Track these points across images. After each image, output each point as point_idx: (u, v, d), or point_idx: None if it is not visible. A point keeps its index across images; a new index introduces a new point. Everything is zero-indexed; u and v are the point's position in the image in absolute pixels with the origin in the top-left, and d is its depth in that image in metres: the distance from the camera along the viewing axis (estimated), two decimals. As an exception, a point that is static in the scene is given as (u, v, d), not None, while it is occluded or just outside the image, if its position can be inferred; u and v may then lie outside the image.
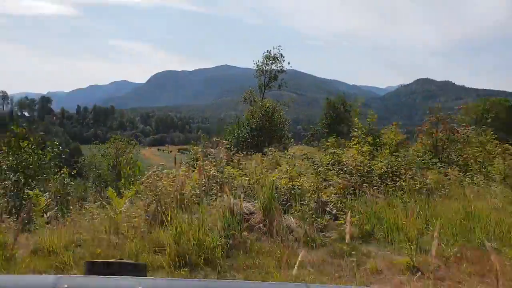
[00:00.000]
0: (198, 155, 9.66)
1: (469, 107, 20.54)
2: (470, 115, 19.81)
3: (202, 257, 4.92)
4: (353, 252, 4.93)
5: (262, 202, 6.23)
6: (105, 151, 25.93)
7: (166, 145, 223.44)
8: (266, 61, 25.71)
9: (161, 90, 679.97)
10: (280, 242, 5.49)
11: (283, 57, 25.60)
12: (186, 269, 4.76)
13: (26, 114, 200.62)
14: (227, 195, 5.93)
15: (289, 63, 26.04)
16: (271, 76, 25.83)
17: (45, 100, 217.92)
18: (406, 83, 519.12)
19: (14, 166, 9.58)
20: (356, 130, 11.93)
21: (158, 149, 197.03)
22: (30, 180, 9.58)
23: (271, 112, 19.83)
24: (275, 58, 25.44)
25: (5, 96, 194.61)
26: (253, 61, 26.78)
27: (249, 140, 18.06)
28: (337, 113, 21.04)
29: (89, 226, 6.26)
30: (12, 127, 10.64)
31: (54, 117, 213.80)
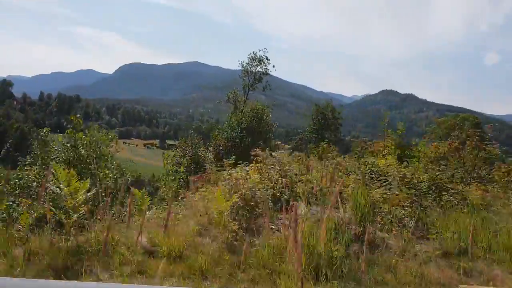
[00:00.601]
0: (258, 158, 9.34)
1: (441, 121, 21.98)
2: (442, 129, 20.84)
3: (332, 269, 4.72)
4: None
5: (356, 213, 6.11)
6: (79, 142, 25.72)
7: (132, 138, 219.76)
8: (251, 62, 26.92)
9: (129, 82, 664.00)
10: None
11: (268, 59, 27.00)
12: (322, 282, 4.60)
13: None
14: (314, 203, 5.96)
15: (273, 66, 27.43)
16: (255, 78, 27.09)
17: (6, 83, 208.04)
18: (371, 93, 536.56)
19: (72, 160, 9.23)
20: (388, 141, 12.47)
21: (124, 142, 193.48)
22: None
23: (261, 113, 20.46)
24: (260, 60, 26.73)
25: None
26: (238, 61, 27.94)
27: (237, 140, 19.03)
28: (325, 119, 22.09)
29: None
30: (71, 117, 10.52)
31: (15, 102, 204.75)
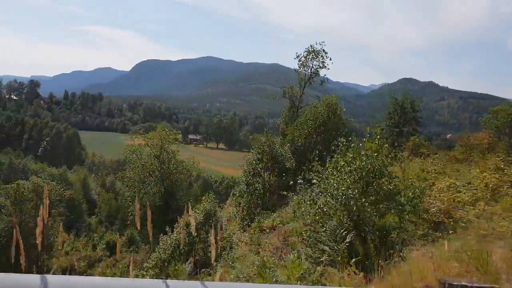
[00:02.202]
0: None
1: (496, 110, 20.89)
2: (499, 119, 19.34)
3: None
4: None
5: None
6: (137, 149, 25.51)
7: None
8: (308, 55, 27.04)
9: (146, 79, 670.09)
10: None
11: (326, 53, 26.99)
12: None
13: (14, 97, 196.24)
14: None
15: (330, 59, 27.46)
16: (312, 72, 27.34)
17: (34, 84, 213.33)
18: (389, 82, 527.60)
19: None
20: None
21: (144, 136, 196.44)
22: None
23: (335, 107, 19.68)
24: (317, 53, 26.84)
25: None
26: (296, 53, 27.83)
27: (314, 137, 18.81)
28: (404, 113, 21.03)
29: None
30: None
31: (42, 101, 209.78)
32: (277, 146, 19.44)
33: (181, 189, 25.46)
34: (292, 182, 18.86)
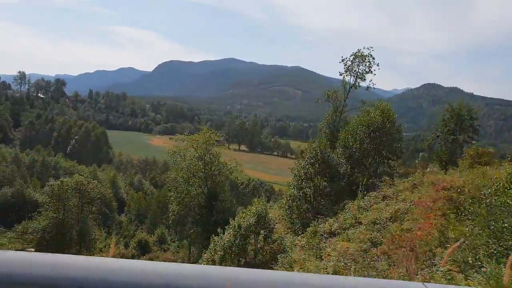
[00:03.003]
0: None
1: None
2: None
3: None
4: None
5: None
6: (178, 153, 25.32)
7: (176, 134, 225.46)
8: (354, 59, 26.64)
9: (168, 80, 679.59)
10: None
11: (373, 57, 26.51)
12: None
13: (41, 95, 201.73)
14: None
15: (378, 65, 26.97)
16: (357, 76, 26.91)
17: (60, 82, 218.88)
18: (412, 87, 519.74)
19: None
20: None
21: (170, 138, 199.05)
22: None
23: (388, 114, 19.20)
24: (363, 57, 26.41)
25: (22, 77, 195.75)
26: (342, 57, 27.42)
27: (367, 142, 18.44)
28: (460, 120, 19.93)
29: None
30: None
31: (67, 100, 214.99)
32: (328, 151, 19.20)
33: (223, 190, 25.47)
34: (345, 187, 18.61)
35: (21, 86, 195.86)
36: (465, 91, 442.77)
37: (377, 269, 10.97)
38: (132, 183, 67.82)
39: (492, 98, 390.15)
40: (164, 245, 48.16)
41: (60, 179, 29.31)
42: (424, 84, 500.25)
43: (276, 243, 18.13)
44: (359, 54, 26.40)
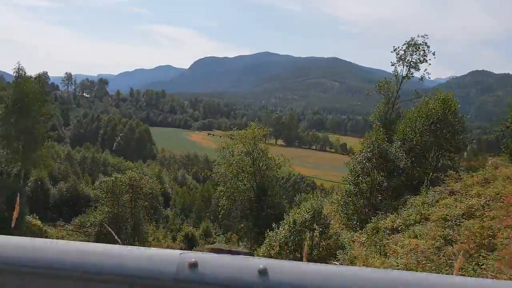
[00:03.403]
0: None
1: None
2: None
3: None
4: None
5: None
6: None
7: (214, 130, 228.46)
8: (407, 49, 25.56)
9: (204, 76, 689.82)
10: None
11: (428, 46, 25.33)
12: None
13: (86, 95, 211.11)
14: None
15: (433, 53, 25.76)
16: (410, 65, 25.85)
17: (103, 82, 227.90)
18: (457, 75, 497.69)
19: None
20: None
21: (208, 133, 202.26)
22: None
23: (450, 104, 18.04)
24: (416, 46, 25.27)
25: (69, 78, 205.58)
26: (393, 46, 26.36)
27: (427, 134, 17.65)
28: None
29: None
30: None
31: (110, 98, 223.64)
32: (386, 144, 18.57)
33: (272, 185, 25.42)
34: (405, 182, 17.97)
35: (68, 86, 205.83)
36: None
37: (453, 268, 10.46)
38: (176, 178, 69.44)
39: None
40: (210, 239, 49.12)
41: (114, 175, 30.40)
42: (472, 72, 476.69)
43: (332, 239, 17.85)
44: (413, 42, 25.29)
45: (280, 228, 18.47)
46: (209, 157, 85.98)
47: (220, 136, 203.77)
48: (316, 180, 79.78)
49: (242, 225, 24.65)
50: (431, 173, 15.17)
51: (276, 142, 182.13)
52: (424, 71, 25.65)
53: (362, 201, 18.50)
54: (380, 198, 18.44)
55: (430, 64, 25.61)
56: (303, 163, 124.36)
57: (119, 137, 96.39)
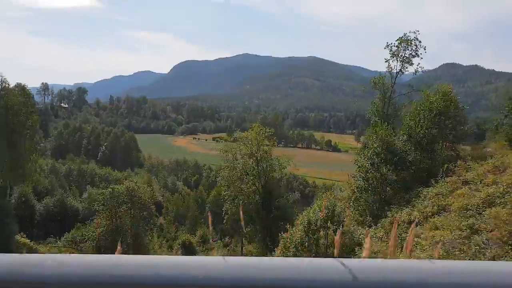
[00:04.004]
0: None
1: None
2: None
3: None
4: None
5: None
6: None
7: (199, 133, 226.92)
8: (400, 44, 25.89)
9: (184, 80, 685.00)
10: None
11: (420, 41, 25.73)
12: None
13: (64, 105, 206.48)
14: None
15: (424, 48, 26.16)
16: (403, 60, 26.12)
17: (81, 91, 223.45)
18: (430, 68, 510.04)
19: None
20: None
21: (194, 137, 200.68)
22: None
23: (450, 97, 18.34)
24: (408, 41, 25.63)
25: (46, 88, 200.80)
26: (387, 42, 26.61)
27: (431, 128, 17.82)
28: None
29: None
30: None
31: (89, 107, 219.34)
32: (392, 138, 18.59)
33: (278, 186, 25.21)
34: (414, 175, 18.03)
35: (44, 97, 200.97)
36: (486, 68, 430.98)
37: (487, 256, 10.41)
38: (166, 185, 68.47)
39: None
40: (208, 245, 48.50)
41: (111, 187, 29.63)
42: (443, 65, 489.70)
43: (347, 236, 17.75)
44: (405, 38, 25.65)
45: (293, 229, 18.25)
46: (198, 161, 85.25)
47: (206, 140, 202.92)
48: (307, 178, 79.99)
49: (248, 229, 24.31)
50: (446, 165, 15.18)
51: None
52: (418, 65, 25.98)
53: (373, 196, 18.45)
54: (390, 192, 18.43)
55: (421, 58, 25.99)
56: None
57: (104, 147, 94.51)
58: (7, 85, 33.89)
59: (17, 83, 35.61)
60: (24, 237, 34.31)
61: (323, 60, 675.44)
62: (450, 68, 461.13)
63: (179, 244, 44.74)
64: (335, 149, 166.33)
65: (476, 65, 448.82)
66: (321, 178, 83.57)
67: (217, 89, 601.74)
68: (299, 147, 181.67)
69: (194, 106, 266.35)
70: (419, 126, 17.98)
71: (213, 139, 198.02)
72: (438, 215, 14.12)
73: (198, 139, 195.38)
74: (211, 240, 49.71)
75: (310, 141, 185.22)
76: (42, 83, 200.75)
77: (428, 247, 12.36)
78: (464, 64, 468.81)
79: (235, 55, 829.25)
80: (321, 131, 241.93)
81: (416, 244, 13.17)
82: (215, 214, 59.60)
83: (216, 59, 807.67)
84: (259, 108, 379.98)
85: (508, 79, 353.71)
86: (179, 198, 59.03)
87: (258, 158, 23.98)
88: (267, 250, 22.24)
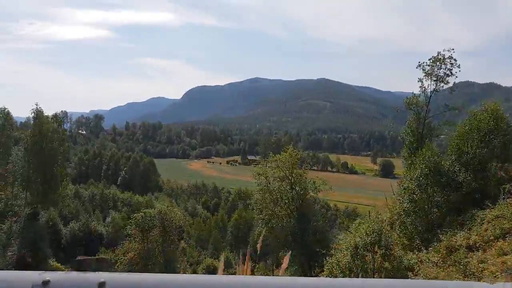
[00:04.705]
0: None
1: None
2: None
3: None
4: None
5: None
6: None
7: (212, 157, 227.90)
8: (434, 64, 25.82)
9: (196, 105, 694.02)
10: None
11: (454, 59, 25.59)
12: None
13: (82, 132, 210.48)
14: None
15: (459, 66, 26.07)
16: (437, 79, 26.03)
17: (98, 118, 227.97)
18: (444, 87, 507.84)
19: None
20: None
21: (208, 161, 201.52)
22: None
23: (501, 114, 17.99)
24: (442, 60, 25.52)
25: (65, 116, 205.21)
26: (419, 62, 26.63)
27: (478, 148, 17.52)
28: None
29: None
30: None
31: (106, 133, 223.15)
32: (440, 159, 18.29)
33: (313, 209, 24.90)
34: (466, 197, 17.61)
35: (64, 124, 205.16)
36: (503, 85, 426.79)
37: None
38: (186, 209, 68.31)
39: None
40: (231, 269, 47.72)
41: (144, 210, 29.69)
42: (457, 83, 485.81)
43: (396, 261, 17.26)
44: (440, 57, 25.54)
45: (338, 254, 17.86)
46: (216, 185, 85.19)
47: (220, 163, 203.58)
48: (328, 201, 78.94)
49: (282, 254, 23.84)
50: (506, 185, 14.79)
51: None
52: (454, 84, 25.79)
53: (419, 219, 18.03)
54: (438, 214, 18.00)
55: (456, 77, 25.83)
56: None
57: (124, 172, 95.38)
58: (41, 113, 34.74)
59: (60, 111, 36.43)
60: (55, 261, 34.35)
61: (333, 82, 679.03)
62: (465, 87, 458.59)
63: (204, 269, 44.22)
64: (352, 171, 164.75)
65: (492, 83, 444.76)
66: (342, 202, 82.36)
67: (228, 113, 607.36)
68: (314, 169, 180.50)
69: (207, 130, 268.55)
70: (469, 146, 17.66)
71: (227, 162, 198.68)
72: (503, 239, 13.65)
73: (213, 162, 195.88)
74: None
75: (326, 163, 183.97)
76: (62, 111, 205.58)
77: (499, 273, 11.87)
78: (480, 82, 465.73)
79: (245, 79, 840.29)
80: (335, 153, 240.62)
81: (482, 270, 12.71)
82: (237, 238, 59.22)
83: (227, 83, 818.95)
84: (270, 130, 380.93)
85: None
86: (200, 222, 58.68)
87: (292, 180, 23.80)
88: (305, 275, 21.75)
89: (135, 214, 29.90)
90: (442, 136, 27.04)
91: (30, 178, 32.64)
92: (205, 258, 47.41)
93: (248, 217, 60.47)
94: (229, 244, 56.67)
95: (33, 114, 34.07)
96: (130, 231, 29.18)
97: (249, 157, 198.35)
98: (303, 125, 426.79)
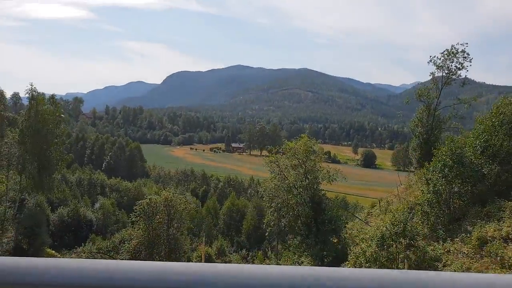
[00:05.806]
0: None
1: None
2: None
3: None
4: None
5: None
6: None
7: (194, 144, 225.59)
8: (446, 57, 25.97)
9: (177, 90, 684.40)
10: None
11: (467, 53, 25.79)
12: None
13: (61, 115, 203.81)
14: None
15: (470, 60, 26.25)
16: (449, 72, 26.22)
17: (78, 100, 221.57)
18: (422, 81, 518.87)
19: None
20: None
21: (190, 148, 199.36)
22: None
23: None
24: (454, 54, 25.70)
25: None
26: (430, 56, 26.74)
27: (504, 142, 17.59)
28: None
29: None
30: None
31: (86, 117, 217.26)
32: (464, 150, 18.37)
33: (325, 198, 24.79)
34: (492, 189, 17.82)
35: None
36: (477, 81, 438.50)
37: None
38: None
39: (506, 86, 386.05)
40: (225, 257, 47.55)
41: (149, 197, 29.12)
42: (434, 77, 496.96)
43: (422, 251, 17.37)
44: (452, 51, 25.72)
45: (362, 244, 17.85)
46: (206, 172, 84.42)
47: (203, 150, 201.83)
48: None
49: (297, 242, 23.76)
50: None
51: (261, 153, 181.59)
52: (465, 77, 26.05)
53: (443, 210, 18.17)
54: (461, 205, 18.18)
55: (467, 70, 26.07)
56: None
57: (109, 156, 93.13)
58: (36, 93, 33.25)
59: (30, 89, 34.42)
60: (50, 249, 33.33)
61: (314, 72, 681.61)
62: (441, 81, 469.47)
63: (199, 257, 43.95)
64: (334, 160, 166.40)
65: (466, 78, 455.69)
66: (329, 191, 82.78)
67: (210, 100, 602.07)
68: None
69: (190, 116, 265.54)
70: (495, 138, 17.80)
71: (211, 149, 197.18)
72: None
73: (196, 149, 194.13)
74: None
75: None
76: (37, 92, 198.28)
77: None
78: (454, 77, 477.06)
79: (228, 66, 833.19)
80: (317, 142, 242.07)
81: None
82: (229, 226, 58.92)
83: (209, 70, 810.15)
84: (253, 119, 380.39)
85: (499, 92, 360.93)
86: (193, 209, 58.03)
87: (306, 170, 23.57)
88: (322, 263, 21.76)
89: (141, 201, 29.25)
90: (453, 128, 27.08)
91: (25, 161, 31.27)
92: (199, 246, 47.07)
93: (240, 205, 60.30)
94: (221, 232, 56.38)
95: (27, 95, 32.56)
96: (134, 218, 28.56)
97: (233, 145, 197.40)
98: (284, 114, 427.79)
